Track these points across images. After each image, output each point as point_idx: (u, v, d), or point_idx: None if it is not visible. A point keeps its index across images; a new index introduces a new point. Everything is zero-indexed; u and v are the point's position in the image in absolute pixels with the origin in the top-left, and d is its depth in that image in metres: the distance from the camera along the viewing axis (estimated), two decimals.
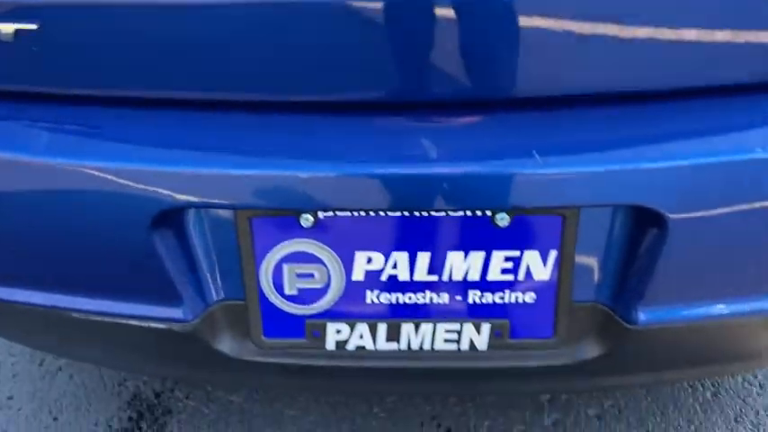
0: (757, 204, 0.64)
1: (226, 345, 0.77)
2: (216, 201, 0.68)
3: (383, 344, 0.76)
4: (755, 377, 1.30)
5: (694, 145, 0.64)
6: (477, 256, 0.71)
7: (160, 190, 0.66)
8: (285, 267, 0.72)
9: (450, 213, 0.69)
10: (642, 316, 0.70)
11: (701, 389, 1.27)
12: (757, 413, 1.23)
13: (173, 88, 0.69)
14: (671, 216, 0.63)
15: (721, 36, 0.62)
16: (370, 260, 0.72)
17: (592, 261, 0.71)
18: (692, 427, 1.21)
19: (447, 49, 0.63)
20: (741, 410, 1.24)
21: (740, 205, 0.64)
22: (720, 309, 0.70)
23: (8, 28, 0.65)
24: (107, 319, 0.76)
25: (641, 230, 0.67)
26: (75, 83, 0.70)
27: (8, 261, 0.77)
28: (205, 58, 0.67)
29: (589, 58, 0.64)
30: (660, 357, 0.77)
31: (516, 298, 0.74)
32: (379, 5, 0.62)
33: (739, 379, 1.29)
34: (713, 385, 1.28)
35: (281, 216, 0.70)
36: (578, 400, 1.25)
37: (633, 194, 0.64)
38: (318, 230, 0.71)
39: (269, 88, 0.68)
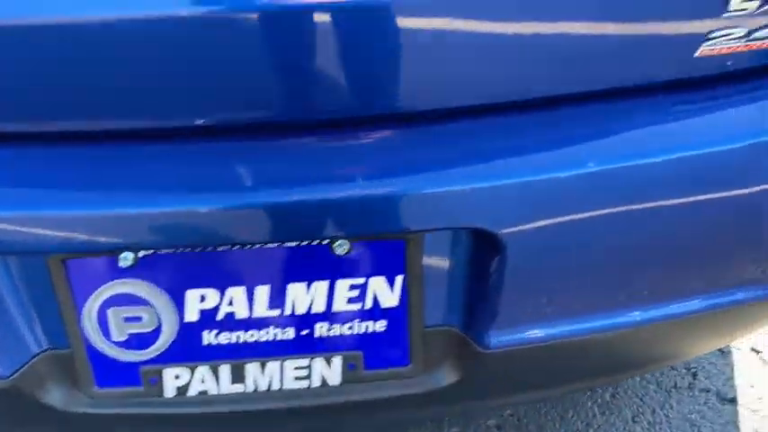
0: (590, 219, 0.61)
1: (55, 397, 0.70)
2: (18, 245, 0.61)
3: (228, 386, 0.70)
4: (653, 375, 1.30)
5: (521, 162, 0.60)
6: (320, 287, 0.66)
7: None
8: (110, 311, 0.66)
9: (285, 244, 0.64)
10: (494, 339, 0.67)
11: (600, 391, 1.26)
12: (653, 411, 1.23)
13: None
14: (505, 236, 0.59)
15: (542, 51, 0.59)
16: (203, 298, 0.66)
17: (441, 285, 0.68)
18: (591, 431, 1.20)
19: (259, 70, 0.58)
20: (638, 410, 1.24)
21: (573, 221, 0.61)
22: (571, 327, 0.67)
23: None
24: None
25: (481, 252, 0.63)
26: None
27: None
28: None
29: (415, 78, 0.60)
30: (519, 379, 0.74)
31: (366, 327, 0.69)
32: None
33: (638, 378, 1.29)
34: (612, 386, 1.28)
35: (98, 257, 0.63)
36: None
37: (466, 216, 0.60)
38: (141, 270, 0.64)
39: (68, 114, 0.61)
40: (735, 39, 0.62)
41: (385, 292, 0.67)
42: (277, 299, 0.67)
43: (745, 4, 0.60)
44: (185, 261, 0.64)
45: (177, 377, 0.69)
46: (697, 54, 0.62)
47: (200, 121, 0.61)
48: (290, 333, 0.68)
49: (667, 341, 0.77)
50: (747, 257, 0.72)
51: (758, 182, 0.66)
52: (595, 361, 0.75)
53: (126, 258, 0.63)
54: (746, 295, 0.72)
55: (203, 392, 0.70)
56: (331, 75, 0.59)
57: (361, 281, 0.66)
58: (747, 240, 0.70)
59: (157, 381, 0.69)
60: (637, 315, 0.68)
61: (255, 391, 0.70)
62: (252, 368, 0.69)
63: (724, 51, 0.63)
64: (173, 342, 0.68)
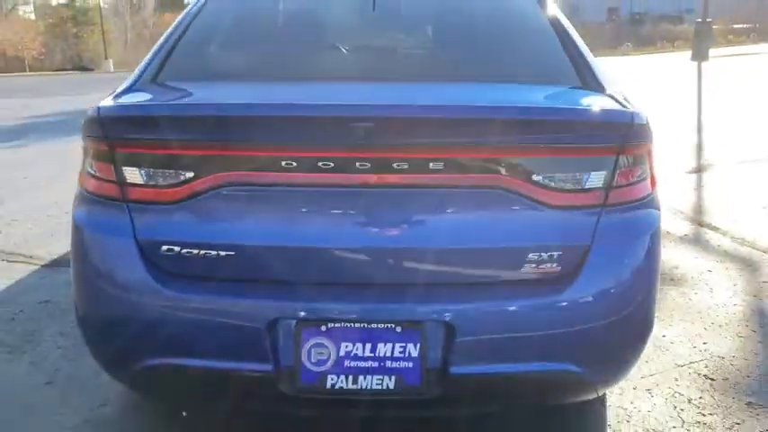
0: None
1: (284, 386, 1.80)
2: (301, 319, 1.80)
3: (351, 386, 1.79)
4: None
5: None
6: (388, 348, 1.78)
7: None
8: (312, 349, 1.78)
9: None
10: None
11: None
12: None
13: None
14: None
15: None
16: (348, 347, 1.79)
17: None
18: None
19: None
20: None
21: None
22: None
23: None
24: None
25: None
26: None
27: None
28: None
29: None
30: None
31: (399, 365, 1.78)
32: None
33: None
34: None
35: (313, 326, 1.79)
36: None
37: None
38: (327, 333, 1.79)
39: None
40: None
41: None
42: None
43: None
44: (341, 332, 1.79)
45: (332, 379, 1.78)
46: None
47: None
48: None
49: None
50: None
51: None
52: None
53: (323, 329, 1.78)
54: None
55: (343, 389, 1.78)
56: None
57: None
58: None
59: (324, 381, 1.79)
60: None
61: (364, 389, 1.77)
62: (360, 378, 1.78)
63: None
64: (333, 365, 1.78)
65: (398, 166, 1.72)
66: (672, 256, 4.08)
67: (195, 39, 2.43)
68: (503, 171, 1.76)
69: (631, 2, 55.59)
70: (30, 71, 42.95)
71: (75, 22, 55.41)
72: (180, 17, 2.52)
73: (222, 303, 1.79)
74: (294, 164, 1.74)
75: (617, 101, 1.99)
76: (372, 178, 1.75)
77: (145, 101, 2.08)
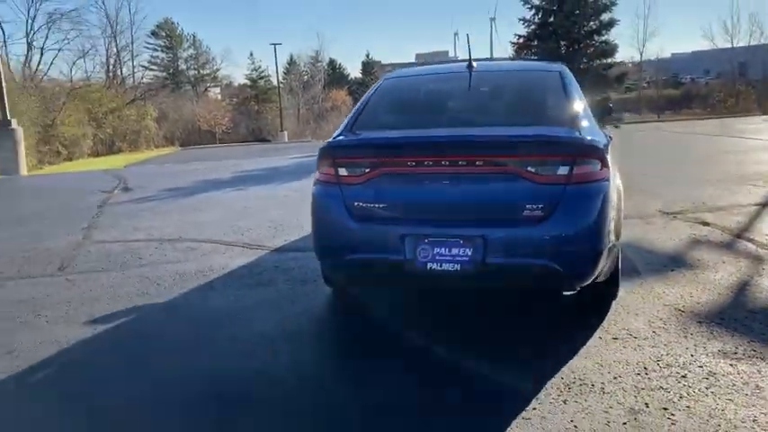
0: None
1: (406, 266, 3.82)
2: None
3: None
4: None
5: None
6: None
7: None
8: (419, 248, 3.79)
9: None
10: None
11: None
12: None
13: None
14: None
15: None
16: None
17: None
18: None
19: None
20: None
21: None
22: None
23: None
24: None
25: None
26: None
27: None
28: None
29: None
30: None
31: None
32: None
33: None
34: None
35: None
36: None
37: None
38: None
39: None
40: None
41: None
42: None
43: None
44: None
45: (430, 265, 3.75)
46: None
47: None
48: None
49: None
50: None
51: None
52: None
53: (426, 240, 3.78)
54: None
55: (435, 270, 3.76)
56: None
57: None
58: None
59: (425, 266, 3.76)
60: None
61: (445, 270, 3.74)
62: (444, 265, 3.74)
63: None
64: (431, 258, 3.76)
65: (461, 163, 3.74)
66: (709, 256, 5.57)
67: (372, 107, 4.67)
68: (513, 166, 3.70)
69: None
70: (219, 143, 50.09)
71: (257, 100, 63.61)
72: (364, 97, 4.83)
73: (381, 228, 3.87)
74: (414, 163, 3.83)
75: (579, 133, 3.91)
76: (449, 170, 3.78)
77: (347, 138, 4.30)
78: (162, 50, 62.92)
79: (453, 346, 3.92)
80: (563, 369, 3.48)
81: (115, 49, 52.08)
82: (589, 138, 3.84)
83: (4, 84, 18.31)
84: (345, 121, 4.57)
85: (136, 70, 56.67)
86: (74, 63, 53.83)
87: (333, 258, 4.14)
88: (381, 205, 3.89)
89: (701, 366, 3.44)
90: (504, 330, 4.19)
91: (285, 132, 46.98)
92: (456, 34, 74.18)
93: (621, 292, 4.47)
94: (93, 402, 3.38)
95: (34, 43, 42.88)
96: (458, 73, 5.11)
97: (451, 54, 61.33)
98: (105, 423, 3.19)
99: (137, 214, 8.97)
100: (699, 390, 3.18)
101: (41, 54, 43.17)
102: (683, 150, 15.25)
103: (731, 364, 3.44)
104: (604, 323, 4.11)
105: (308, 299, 4.88)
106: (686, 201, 7.96)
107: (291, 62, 65.57)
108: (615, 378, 3.35)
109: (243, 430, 3.07)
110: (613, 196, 3.86)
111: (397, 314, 4.61)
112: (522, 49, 21.00)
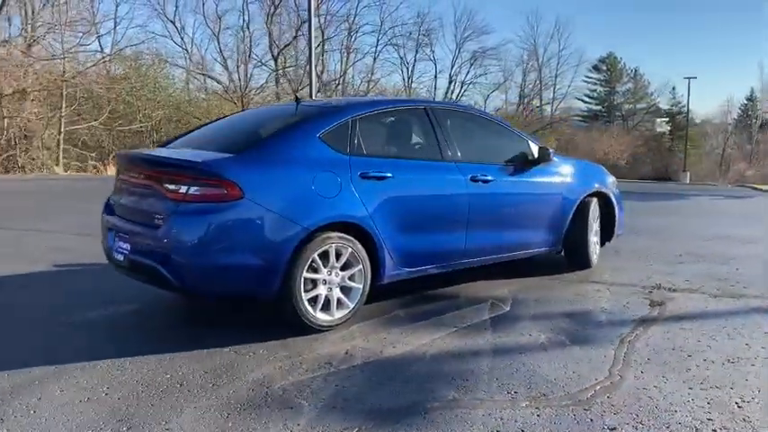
0: None
1: None
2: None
3: None
4: None
5: None
6: None
7: None
8: None
9: None
10: None
11: None
12: None
13: None
14: None
15: None
16: None
17: None
18: None
19: None
20: None
21: None
22: None
23: None
24: None
25: None
26: None
27: None
28: None
29: None
30: None
31: None
32: None
33: None
34: None
35: None
36: None
37: None
38: None
39: None
40: None
41: None
42: None
43: None
44: None
45: None
46: None
47: None
48: None
49: None
50: None
51: None
52: None
53: None
54: None
55: None
56: None
57: None
58: None
59: None
60: None
61: None
62: None
63: None
64: None
65: None
66: None
67: None
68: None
69: None
70: (618, 178, 48.40)
71: (672, 137, 59.14)
72: None
73: None
74: None
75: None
76: None
77: None
78: (600, 84, 63.70)
79: None
80: None
81: (538, 83, 55.56)
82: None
83: None
84: None
85: (558, 102, 58.54)
86: (488, 95, 56.41)
87: None
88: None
89: None
90: None
91: (688, 173, 43.08)
92: None
93: None
94: None
95: (457, 77, 49.52)
96: None
97: None
98: None
99: None
100: None
101: (462, 87, 49.62)
102: None
103: None
104: None
105: None
106: None
107: (751, 97, 59.64)
108: None
109: None
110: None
111: None
112: None
